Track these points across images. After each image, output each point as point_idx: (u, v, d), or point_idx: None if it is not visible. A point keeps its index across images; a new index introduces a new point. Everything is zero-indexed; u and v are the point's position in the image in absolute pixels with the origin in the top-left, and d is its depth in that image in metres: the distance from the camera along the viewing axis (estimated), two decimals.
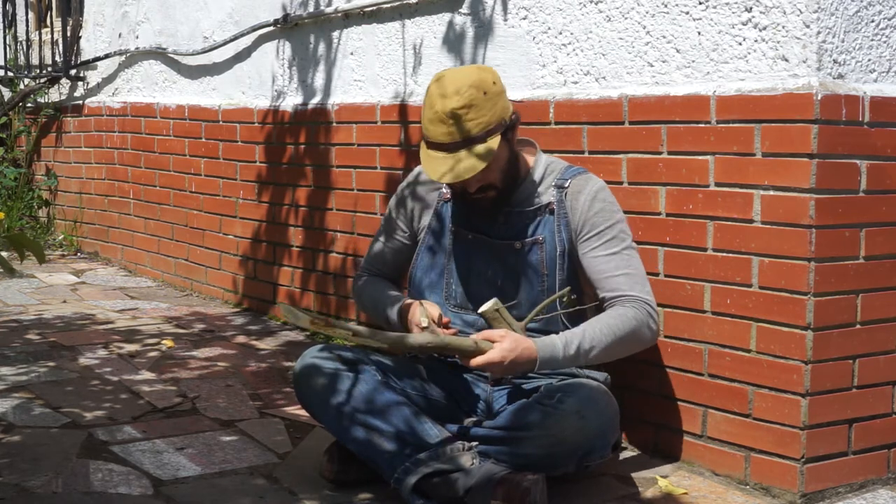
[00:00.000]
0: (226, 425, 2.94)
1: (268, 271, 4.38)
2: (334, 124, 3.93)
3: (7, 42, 6.51)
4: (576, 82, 2.97)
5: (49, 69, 6.10)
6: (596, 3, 2.89)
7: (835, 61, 2.43)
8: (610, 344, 2.41)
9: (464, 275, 2.58)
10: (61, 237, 6.03)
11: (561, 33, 3.00)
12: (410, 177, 2.74)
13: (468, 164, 2.40)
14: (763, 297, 2.48)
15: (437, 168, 2.42)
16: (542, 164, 2.60)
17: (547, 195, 2.56)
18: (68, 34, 5.89)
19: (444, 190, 2.66)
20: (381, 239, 2.76)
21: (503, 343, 2.31)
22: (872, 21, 2.50)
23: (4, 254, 1.95)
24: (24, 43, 6.39)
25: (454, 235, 2.62)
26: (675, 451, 2.73)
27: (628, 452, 2.74)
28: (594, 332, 2.40)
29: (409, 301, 2.57)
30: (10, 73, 6.40)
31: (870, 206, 2.49)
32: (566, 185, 2.55)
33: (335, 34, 3.95)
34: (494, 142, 2.41)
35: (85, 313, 4.39)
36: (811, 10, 2.39)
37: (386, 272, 2.76)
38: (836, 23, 2.42)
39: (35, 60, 6.31)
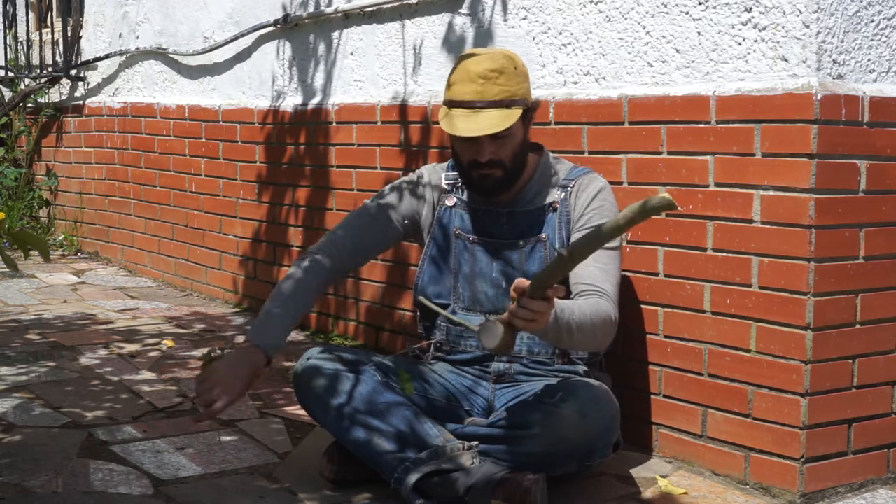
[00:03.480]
0: (226, 425, 2.94)
1: (268, 271, 4.38)
2: (334, 124, 3.94)
3: (7, 42, 6.51)
4: (576, 82, 2.97)
5: (49, 69, 6.10)
6: (596, 4, 2.89)
7: (834, 61, 2.43)
8: (585, 327, 2.30)
9: (470, 278, 2.58)
10: (62, 237, 6.03)
11: (561, 33, 3.00)
12: (413, 175, 2.73)
13: (491, 121, 2.41)
14: (763, 297, 2.48)
15: (458, 125, 2.43)
16: (548, 165, 2.61)
17: (551, 195, 2.57)
18: (69, 34, 5.89)
19: (447, 194, 2.65)
20: (358, 222, 2.65)
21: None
22: (872, 21, 2.50)
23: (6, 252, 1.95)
24: (24, 43, 6.39)
25: (458, 239, 2.62)
26: (675, 450, 2.73)
27: (628, 452, 2.74)
28: (576, 310, 2.30)
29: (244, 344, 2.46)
30: (10, 74, 6.41)
31: (869, 206, 2.49)
32: (570, 186, 2.56)
33: (335, 34, 3.95)
34: (516, 113, 2.43)
35: (85, 313, 4.39)
36: (811, 10, 2.39)
37: (343, 257, 2.62)
38: (836, 23, 2.43)
39: (35, 61, 6.31)
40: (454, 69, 2.49)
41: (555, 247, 2.51)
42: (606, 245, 2.43)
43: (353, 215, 2.70)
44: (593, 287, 2.43)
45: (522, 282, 2.12)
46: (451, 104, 2.47)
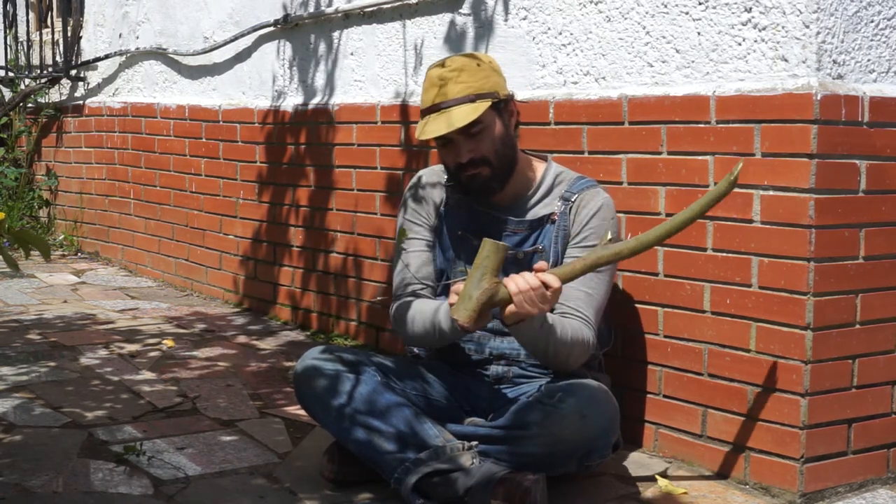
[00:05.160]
0: (226, 425, 2.94)
1: (268, 271, 4.38)
2: (334, 124, 3.94)
3: (8, 42, 6.51)
4: (576, 82, 2.97)
5: (50, 69, 6.10)
6: (596, 4, 2.89)
7: (834, 61, 2.43)
8: (563, 344, 2.37)
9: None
10: (62, 237, 6.03)
11: (561, 33, 3.01)
12: (413, 181, 2.73)
13: (456, 117, 2.42)
14: (763, 297, 2.49)
15: (428, 128, 2.46)
16: (552, 175, 2.59)
17: (552, 206, 2.56)
18: (69, 34, 5.89)
19: (447, 195, 2.64)
20: (409, 253, 2.62)
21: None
22: (872, 21, 2.50)
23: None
24: (24, 43, 6.39)
25: (460, 240, 2.61)
26: (675, 450, 2.73)
27: (628, 452, 2.74)
28: (558, 327, 2.36)
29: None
30: (10, 74, 6.41)
31: (869, 206, 2.49)
32: (572, 199, 2.54)
33: (335, 34, 3.95)
34: (484, 105, 2.44)
35: (85, 313, 4.39)
36: (811, 10, 2.40)
37: (426, 288, 2.60)
38: (836, 23, 2.43)
39: (36, 61, 6.31)
40: (423, 82, 2.53)
41: (548, 259, 2.50)
42: (598, 269, 2.42)
43: (397, 260, 2.64)
44: (576, 311, 2.44)
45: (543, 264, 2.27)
46: (422, 114, 2.51)
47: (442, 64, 2.49)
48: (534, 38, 3.09)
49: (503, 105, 2.50)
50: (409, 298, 2.57)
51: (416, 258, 2.62)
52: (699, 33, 2.63)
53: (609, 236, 2.25)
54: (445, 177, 2.66)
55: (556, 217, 2.53)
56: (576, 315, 2.44)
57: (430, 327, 2.47)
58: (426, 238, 2.64)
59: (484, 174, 2.49)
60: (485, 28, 3.26)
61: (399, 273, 2.62)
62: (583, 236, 2.51)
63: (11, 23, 6.48)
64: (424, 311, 2.49)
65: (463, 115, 2.42)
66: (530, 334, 2.34)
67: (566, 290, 2.42)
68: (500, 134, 2.49)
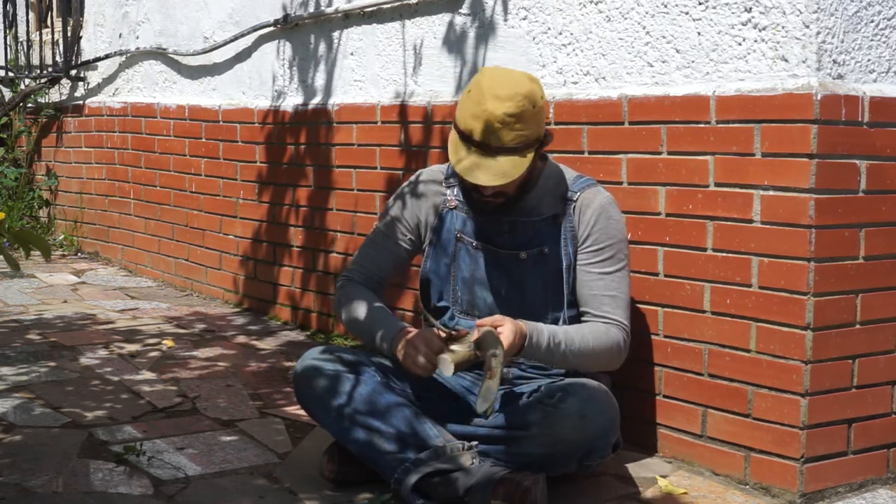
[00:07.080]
0: (226, 425, 2.94)
1: (268, 271, 4.38)
2: (334, 124, 3.94)
3: (8, 42, 6.51)
4: (576, 82, 2.97)
5: (49, 69, 6.10)
6: (596, 4, 2.89)
7: (834, 61, 2.43)
8: (584, 353, 2.43)
9: (469, 282, 2.58)
10: (62, 237, 6.03)
11: (561, 33, 3.01)
12: (413, 178, 2.72)
13: (499, 170, 2.37)
14: (763, 297, 2.49)
15: (467, 166, 2.39)
16: (552, 174, 2.59)
17: (554, 206, 2.55)
18: (69, 34, 5.89)
19: (448, 196, 2.64)
20: (380, 241, 2.68)
21: (506, 330, 2.33)
22: (872, 21, 2.50)
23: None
24: (24, 43, 6.39)
25: (460, 243, 2.61)
26: (675, 450, 2.73)
27: (628, 452, 2.74)
28: (576, 337, 2.42)
29: (405, 330, 2.47)
30: (10, 74, 6.41)
31: (869, 206, 2.49)
32: (574, 198, 2.54)
33: (335, 34, 3.95)
34: (529, 157, 2.40)
35: (85, 313, 4.39)
36: (811, 10, 2.40)
37: (378, 276, 2.67)
38: (836, 23, 2.43)
39: (35, 61, 6.31)
40: (472, 92, 2.39)
41: (561, 263, 2.52)
42: (613, 268, 2.50)
43: (369, 239, 2.71)
44: (603, 317, 2.48)
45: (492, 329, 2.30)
46: (462, 136, 2.41)
47: (501, 97, 2.34)
48: (534, 38, 3.09)
49: (541, 144, 2.46)
50: (349, 282, 2.66)
51: (374, 248, 2.68)
52: (699, 33, 2.63)
53: (491, 350, 2.27)
54: (443, 177, 2.66)
55: (561, 219, 2.53)
56: (605, 319, 2.48)
57: (369, 339, 2.55)
58: (394, 237, 2.66)
59: (499, 202, 2.51)
60: (485, 28, 3.26)
61: (362, 256, 2.70)
62: (593, 238, 2.52)
63: (11, 23, 6.48)
64: (368, 315, 2.56)
65: (509, 170, 2.37)
66: (538, 357, 2.42)
67: (591, 298, 2.50)
68: (528, 169, 2.44)
